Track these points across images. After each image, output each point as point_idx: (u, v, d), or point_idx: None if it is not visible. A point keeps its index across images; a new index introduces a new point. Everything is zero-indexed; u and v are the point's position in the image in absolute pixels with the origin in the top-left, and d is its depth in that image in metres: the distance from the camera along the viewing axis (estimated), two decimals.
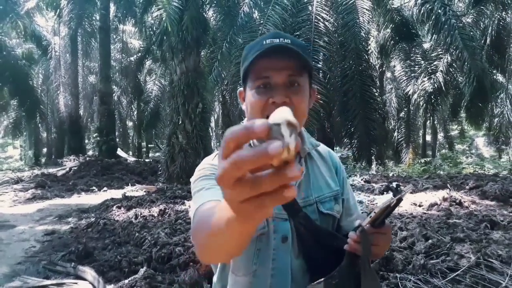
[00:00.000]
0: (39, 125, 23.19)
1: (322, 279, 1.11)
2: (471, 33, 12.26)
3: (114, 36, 21.31)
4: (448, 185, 7.39)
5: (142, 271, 3.75)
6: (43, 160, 23.58)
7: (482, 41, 13.06)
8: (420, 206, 6.11)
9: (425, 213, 5.60)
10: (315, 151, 1.33)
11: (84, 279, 3.96)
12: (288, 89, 1.12)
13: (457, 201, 6.06)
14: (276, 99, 1.11)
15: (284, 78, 1.12)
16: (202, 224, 0.88)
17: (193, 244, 1.19)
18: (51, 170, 14.09)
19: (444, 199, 6.13)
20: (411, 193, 6.94)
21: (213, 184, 1.12)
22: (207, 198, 1.06)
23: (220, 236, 0.74)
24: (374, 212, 1.05)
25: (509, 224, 4.79)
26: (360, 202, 6.41)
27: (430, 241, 4.00)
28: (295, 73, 1.13)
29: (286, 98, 1.12)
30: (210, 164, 1.22)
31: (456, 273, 3.31)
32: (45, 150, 28.15)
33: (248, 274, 1.18)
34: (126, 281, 3.66)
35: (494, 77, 15.19)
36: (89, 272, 3.99)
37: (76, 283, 3.90)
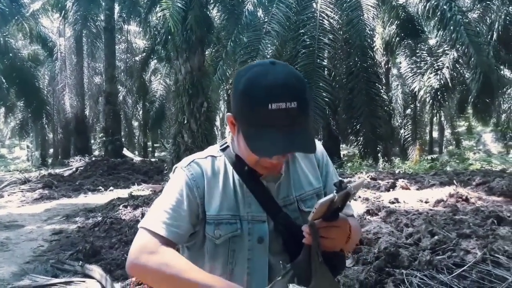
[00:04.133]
0: (46, 126, 23.24)
1: (278, 278, 1.12)
2: (477, 28, 12.15)
3: (119, 36, 21.34)
4: (454, 181, 7.35)
5: None
6: (49, 160, 23.70)
7: (489, 37, 12.88)
8: (426, 202, 6.10)
9: (431, 210, 5.58)
10: None
11: (92, 277, 4.01)
12: None
13: (464, 197, 6.03)
14: (273, 159, 1.15)
15: None
16: (168, 277, 1.09)
17: None
18: (58, 171, 14.17)
19: (451, 195, 6.10)
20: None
21: (178, 221, 1.20)
22: (170, 235, 1.17)
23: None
24: (315, 208, 1.05)
25: None
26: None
27: (436, 237, 3.98)
28: None
29: (283, 157, 1.17)
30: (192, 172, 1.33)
31: (462, 268, 3.28)
32: (51, 150, 28.27)
33: (225, 273, 1.20)
34: (133, 279, 3.69)
35: (501, 72, 15.04)
36: (96, 271, 4.04)
37: (84, 281, 3.95)
